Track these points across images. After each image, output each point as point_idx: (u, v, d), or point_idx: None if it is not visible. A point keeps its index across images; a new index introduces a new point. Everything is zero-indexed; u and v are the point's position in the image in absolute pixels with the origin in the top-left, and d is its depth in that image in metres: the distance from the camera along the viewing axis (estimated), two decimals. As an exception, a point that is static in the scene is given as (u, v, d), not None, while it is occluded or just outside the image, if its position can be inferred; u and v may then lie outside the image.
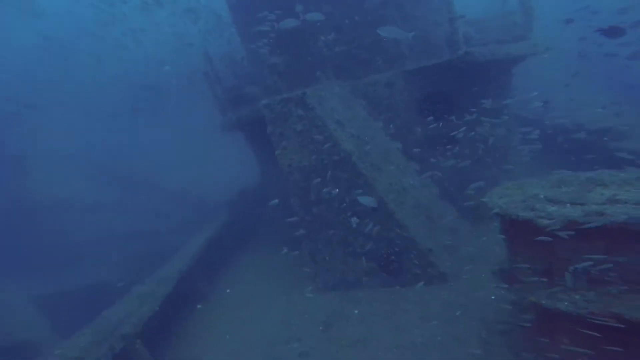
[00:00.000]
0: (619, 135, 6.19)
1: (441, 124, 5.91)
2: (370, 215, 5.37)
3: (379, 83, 6.14)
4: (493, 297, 4.33)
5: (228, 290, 6.99)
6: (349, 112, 5.68)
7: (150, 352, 4.88)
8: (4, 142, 12.83)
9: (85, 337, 4.44)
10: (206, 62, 7.20)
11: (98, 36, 12.91)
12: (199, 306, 6.56)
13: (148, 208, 12.85)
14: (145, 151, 14.56)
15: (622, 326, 2.46)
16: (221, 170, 12.79)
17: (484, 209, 5.88)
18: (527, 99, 5.43)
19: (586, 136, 6.17)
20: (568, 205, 2.83)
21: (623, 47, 7.18)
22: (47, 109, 14.00)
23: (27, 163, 12.86)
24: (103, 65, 13.92)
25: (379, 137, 5.77)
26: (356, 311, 5.20)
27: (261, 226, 9.23)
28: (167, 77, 13.83)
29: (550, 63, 7.77)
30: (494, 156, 6.19)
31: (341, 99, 5.73)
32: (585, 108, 7.28)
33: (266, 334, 5.28)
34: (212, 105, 8.07)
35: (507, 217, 3.06)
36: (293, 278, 6.72)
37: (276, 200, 5.70)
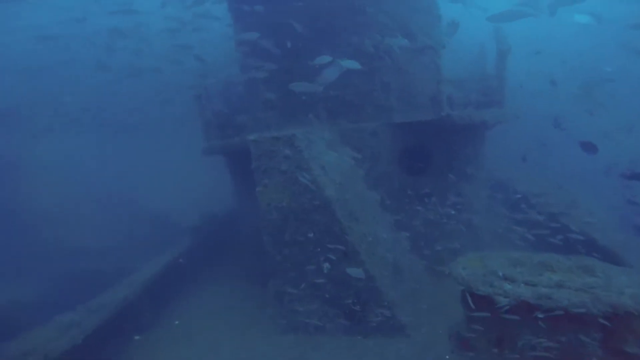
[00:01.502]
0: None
1: (418, 179, 6.19)
2: (342, 263, 5.38)
3: (365, 131, 6.38)
4: (447, 358, 4.39)
5: (177, 322, 6.51)
6: (334, 157, 5.81)
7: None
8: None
9: None
10: (201, 86, 7.21)
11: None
12: (136, 337, 5.95)
13: (101, 223, 12.05)
14: (117, 165, 13.94)
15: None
16: (192, 192, 12.37)
17: (445, 266, 6.15)
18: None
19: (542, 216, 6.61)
20: (522, 285, 3.19)
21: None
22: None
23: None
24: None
25: (360, 186, 5.91)
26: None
27: (228, 256, 8.87)
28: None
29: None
30: (462, 219, 6.49)
31: (329, 143, 5.88)
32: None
33: None
34: (194, 127, 7.97)
35: (467, 289, 3.29)
36: (252, 315, 6.45)
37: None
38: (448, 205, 6.16)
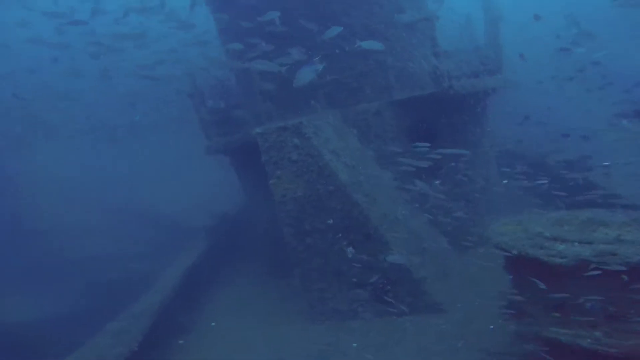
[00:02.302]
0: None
1: (427, 154, 6.18)
2: (365, 245, 5.39)
3: (368, 112, 6.30)
4: (492, 327, 4.44)
5: (213, 324, 6.57)
6: (342, 141, 5.74)
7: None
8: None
9: None
10: (191, 84, 6.97)
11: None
12: (180, 342, 6.07)
13: (119, 230, 11.91)
14: (122, 172, 13.67)
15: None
16: (199, 193, 12.24)
17: (469, 238, 6.22)
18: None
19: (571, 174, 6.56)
20: (576, 243, 2.95)
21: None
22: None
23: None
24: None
25: (371, 166, 5.88)
26: (355, 344, 5.10)
27: (244, 254, 8.88)
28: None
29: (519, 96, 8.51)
30: (476, 189, 6.53)
31: (335, 128, 5.79)
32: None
33: None
34: (193, 126, 7.79)
35: (513, 254, 3.19)
36: (281, 309, 6.50)
37: None
38: (460, 175, 6.18)
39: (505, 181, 6.88)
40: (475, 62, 6.31)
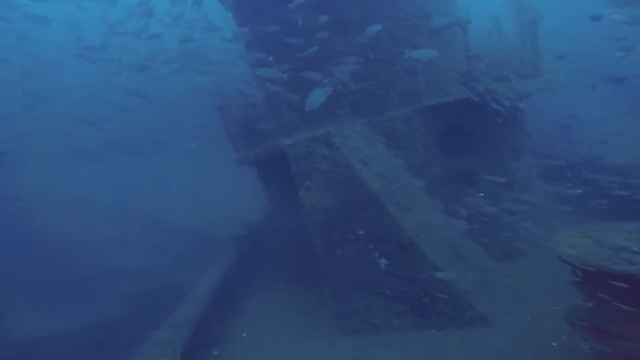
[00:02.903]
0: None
1: (460, 160, 5.98)
2: (399, 256, 5.24)
3: (396, 119, 6.19)
4: (554, 344, 4.14)
5: (244, 334, 6.58)
6: (371, 150, 5.66)
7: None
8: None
9: None
10: (220, 97, 7.14)
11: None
12: (215, 352, 6.11)
13: (146, 242, 12.28)
14: (146, 184, 14.14)
15: None
16: (225, 204, 12.46)
17: (510, 246, 5.92)
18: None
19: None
20: None
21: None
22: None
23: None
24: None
25: (402, 175, 5.75)
26: (390, 359, 4.93)
27: (271, 263, 8.90)
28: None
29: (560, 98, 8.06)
30: (515, 195, 6.23)
31: (363, 137, 5.73)
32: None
33: None
34: (218, 138, 7.92)
35: (590, 270, 2.91)
36: (311, 319, 6.41)
37: None
38: (499, 182, 5.92)
39: (579, 191, 6.40)
40: (511, 64, 6.09)
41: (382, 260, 5.35)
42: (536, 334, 4.34)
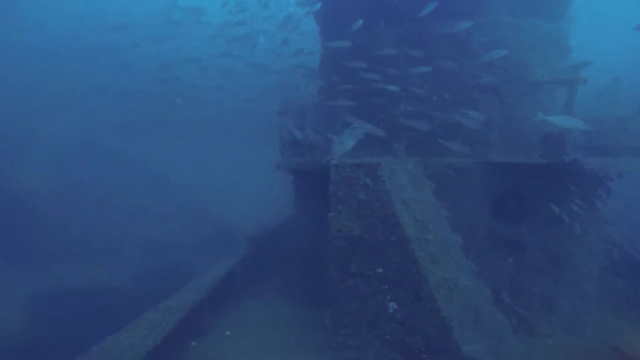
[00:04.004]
0: None
1: (510, 227, 5.53)
2: (413, 305, 4.93)
3: (452, 167, 5.89)
4: None
5: (228, 333, 6.52)
6: (417, 193, 5.42)
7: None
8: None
9: None
10: (283, 103, 7.35)
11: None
12: (193, 343, 6.10)
13: (174, 219, 12.81)
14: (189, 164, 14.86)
15: None
16: (253, 200, 12.71)
17: (539, 323, 5.34)
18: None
19: None
20: None
21: None
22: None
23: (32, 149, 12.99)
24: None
25: (442, 226, 5.42)
26: None
27: (279, 271, 8.82)
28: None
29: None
30: (566, 274, 5.62)
31: (412, 177, 5.50)
32: None
33: None
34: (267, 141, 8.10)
35: None
36: (305, 339, 6.20)
37: None
38: (549, 258, 5.40)
39: None
40: (613, 136, 5.50)
41: (392, 304, 5.07)
42: None
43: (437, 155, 6.08)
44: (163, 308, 5.67)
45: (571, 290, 5.71)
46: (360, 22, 6.16)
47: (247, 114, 13.87)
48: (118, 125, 14.28)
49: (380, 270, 5.18)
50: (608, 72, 6.94)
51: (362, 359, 5.22)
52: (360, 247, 5.34)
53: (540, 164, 5.22)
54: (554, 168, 5.04)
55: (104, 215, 12.59)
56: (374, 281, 5.25)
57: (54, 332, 7.54)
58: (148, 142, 14.99)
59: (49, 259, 10.44)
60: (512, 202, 5.48)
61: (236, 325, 6.73)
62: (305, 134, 6.20)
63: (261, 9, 12.06)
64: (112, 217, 12.41)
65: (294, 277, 8.05)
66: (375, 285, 5.25)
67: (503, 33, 6.07)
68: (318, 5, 7.09)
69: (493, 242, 5.70)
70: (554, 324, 5.46)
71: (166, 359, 5.33)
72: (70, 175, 13.02)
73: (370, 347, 5.21)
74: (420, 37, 6.32)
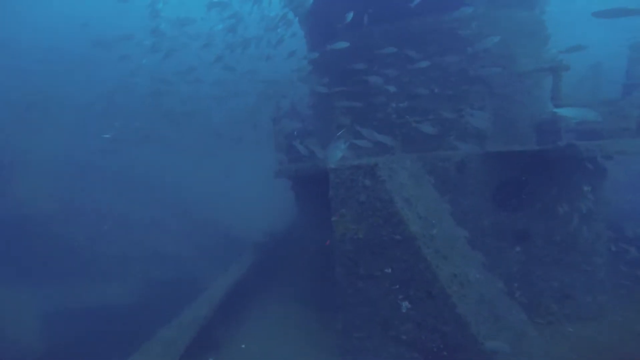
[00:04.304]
0: None
1: (514, 216, 5.49)
2: (424, 303, 4.89)
3: (450, 160, 5.88)
4: None
5: (243, 346, 6.46)
6: (418, 189, 5.38)
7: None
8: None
9: None
10: (276, 108, 7.30)
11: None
12: (210, 359, 6.06)
13: (177, 231, 12.76)
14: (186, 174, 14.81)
15: None
16: (255, 207, 12.67)
17: (557, 312, 5.30)
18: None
19: None
20: None
21: None
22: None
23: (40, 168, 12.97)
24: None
25: (446, 221, 5.38)
26: None
27: (286, 278, 8.78)
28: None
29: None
30: (576, 260, 5.59)
31: (411, 174, 5.47)
32: None
33: None
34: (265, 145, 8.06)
35: None
36: (315, 346, 6.16)
37: None
38: (556, 244, 5.36)
39: None
40: (605, 118, 5.46)
41: (405, 304, 5.03)
42: None
43: (433, 150, 6.04)
44: (176, 325, 5.61)
45: (583, 275, 5.69)
46: (351, 15, 6.11)
47: (243, 120, 13.82)
48: (117, 139, 14.24)
49: (389, 271, 5.15)
50: (587, 58, 6.91)
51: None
52: (366, 248, 5.30)
53: (537, 150, 5.19)
54: (551, 153, 5.01)
55: (107, 230, 12.54)
56: (383, 282, 5.22)
57: (69, 351, 7.51)
58: (146, 154, 14.97)
59: (59, 276, 10.42)
60: (513, 191, 5.44)
61: (250, 337, 6.64)
62: (304, 144, 6.14)
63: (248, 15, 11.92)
64: (115, 231, 12.36)
65: (302, 283, 8.01)
66: (385, 286, 5.21)
67: (484, 25, 6.06)
68: (305, 9, 7.03)
69: (498, 232, 5.67)
70: (569, 312, 5.40)
71: None
72: (70, 191, 12.97)
73: (386, 349, 5.18)
74: (407, 34, 6.29)
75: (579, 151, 4.81)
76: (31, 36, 15.38)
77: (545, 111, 5.84)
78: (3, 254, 10.15)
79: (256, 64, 11.89)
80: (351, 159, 5.58)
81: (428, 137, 6.24)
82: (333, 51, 6.51)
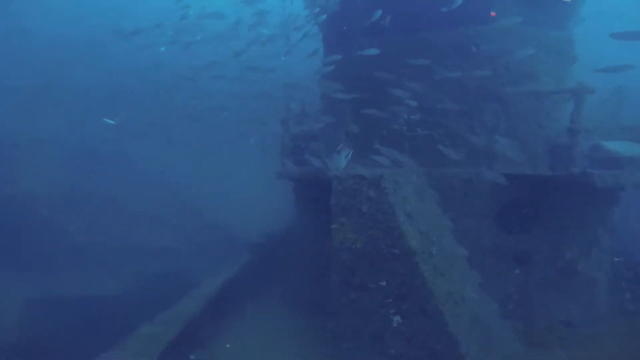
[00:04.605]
0: None
1: (516, 238, 5.42)
2: (418, 319, 4.84)
3: (457, 177, 5.80)
4: None
5: (228, 345, 6.39)
6: (421, 204, 5.33)
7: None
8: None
9: None
10: (286, 110, 7.28)
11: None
12: (192, 357, 5.94)
13: (175, 226, 12.72)
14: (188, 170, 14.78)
15: None
16: (254, 207, 12.61)
17: (549, 335, 5.21)
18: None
19: None
20: None
21: None
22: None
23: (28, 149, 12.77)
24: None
25: (447, 238, 5.33)
26: None
27: (279, 280, 8.70)
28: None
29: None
30: (578, 287, 5.50)
31: (416, 188, 5.42)
32: None
33: None
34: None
35: None
36: (306, 352, 6.07)
37: None
38: (557, 269, 5.29)
39: None
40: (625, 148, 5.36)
41: (397, 318, 5.00)
42: None
43: (440, 165, 5.98)
44: (161, 321, 5.56)
45: (581, 300, 5.61)
46: (379, 12, 6.00)
47: (247, 120, 13.80)
48: (116, 128, 14.24)
49: (383, 284, 5.10)
50: (612, 79, 6.78)
51: None
52: (363, 259, 5.25)
53: (549, 176, 5.11)
54: (562, 180, 4.94)
55: (103, 221, 12.48)
56: (377, 294, 5.17)
57: (49, 339, 7.41)
58: (147, 146, 14.94)
59: (47, 264, 10.31)
60: (518, 213, 5.38)
61: (236, 336, 6.56)
62: (310, 148, 6.10)
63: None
64: (111, 221, 12.31)
65: (296, 287, 7.95)
66: (379, 298, 5.16)
67: (508, 41, 5.97)
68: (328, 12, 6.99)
69: (498, 253, 5.60)
70: (565, 336, 5.31)
71: None
72: (68, 177, 12.89)
73: None
74: (425, 46, 6.24)
75: (592, 180, 4.72)
76: (51, 24, 15.45)
77: (561, 135, 5.67)
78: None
79: (274, 63, 11.84)
80: (356, 168, 5.53)
81: (436, 152, 6.18)
82: (351, 57, 6.47)
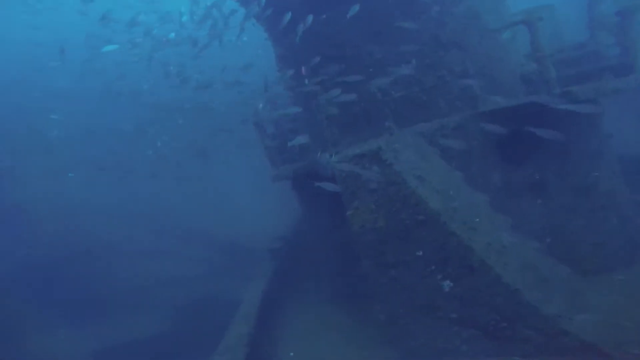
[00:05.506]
0: None
1: (525, 168, 5.33)
2: (469, 279, 4.72)
3: (446, 127, 5.61)
4: None
5: (292, 354, 6.28)
6: (427, 164, 5.14)
7: None
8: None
9: None
10: (255, 112, 6.91)
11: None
12: None
13: (186, 253, 12.39)
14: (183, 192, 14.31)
15: None
16: (257, 213, 12.35)
17: (596, 260, 5.22)
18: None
19: None
20: None
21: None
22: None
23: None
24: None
25: (463, 190, 5.17)
26: None
27: (310, 279, 8.58)
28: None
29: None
30: (598, 203, 5.47)
31: (416, 150, 5.22)
32: None
33: None
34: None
35: None
36: (359, 339, 6.03)
37: None
38: (575, 188, 5.23)
39: None
40: (586, 61, 5.35)
41: (447, 283, 4.84)
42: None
43: (426, 121, 5.81)
44: (225, 349, 5.39)
45: (607, 219, 5.55)
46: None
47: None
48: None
49: (420, 253, 4.94)
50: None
51: (434, 342, 5.04)
52: (389, 236, 5.07)
53: (531, 102, 5.00)
54: (546, 103, 4.81)
55: (119, 262, 12.14)
56: (417, 265, 5.00)
57: None
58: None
59: (105, 310, 10.12)
60: (516, 142, 5.25)
61: (293, 344, 6.48)
62: (296, 141, 5.82)
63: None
64: (125, 262, 11.94)
65: (324, 281, 7.83)
66: (420, 269, 4.99)
67: None
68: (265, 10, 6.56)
69: (513, 190, 5.51)
70: (609, 259, 5.29)
71: None
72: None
73: (438, 330, 4.99)
74: (372, 7, 5.94)
75: (576, 96, 4.63)
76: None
77: (525, 64, 5.74)
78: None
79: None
80: (350, 148, 5.27)
81: (417, 109, 5.99)
82: (300, 43, 6.10)
